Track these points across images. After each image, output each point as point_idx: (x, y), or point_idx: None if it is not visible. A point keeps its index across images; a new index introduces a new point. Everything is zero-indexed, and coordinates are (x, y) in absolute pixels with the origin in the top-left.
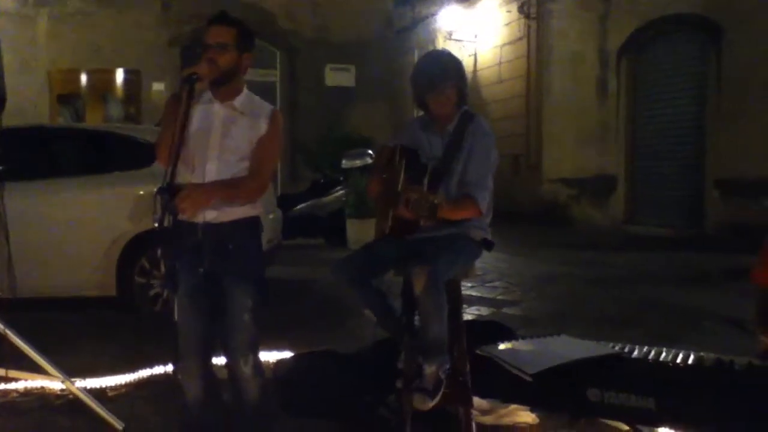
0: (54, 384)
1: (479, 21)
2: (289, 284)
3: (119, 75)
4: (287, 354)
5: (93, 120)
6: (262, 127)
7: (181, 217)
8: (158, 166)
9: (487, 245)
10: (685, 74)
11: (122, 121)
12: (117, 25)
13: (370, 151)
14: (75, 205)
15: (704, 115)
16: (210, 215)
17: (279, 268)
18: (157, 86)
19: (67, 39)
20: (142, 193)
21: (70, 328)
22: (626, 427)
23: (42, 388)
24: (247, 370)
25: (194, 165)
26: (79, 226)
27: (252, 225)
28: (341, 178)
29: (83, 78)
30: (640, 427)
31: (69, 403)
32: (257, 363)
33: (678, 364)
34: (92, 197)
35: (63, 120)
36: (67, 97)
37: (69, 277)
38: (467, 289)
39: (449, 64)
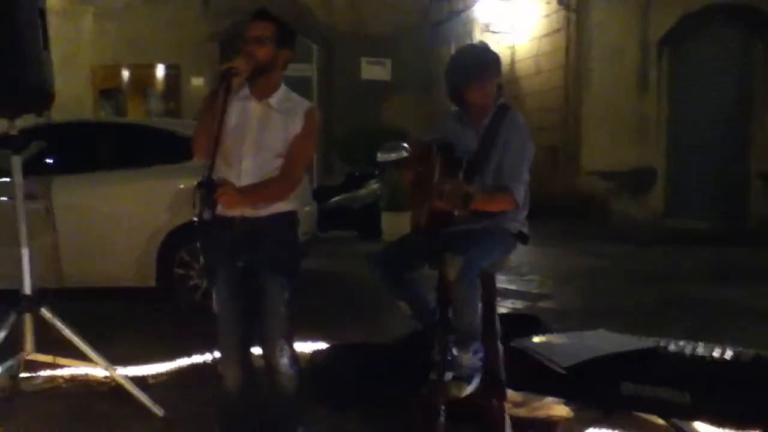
0: (97, 371)
1: (517, 13)
2: (324, 276)
3: (159, 70)
4: (322, 345)
5: (134, 114)
6: (298, 124)
7: (219, 211)
8: (197, 160)
9: (523, 238)
10: (729, 65)
11: (162, 115)
12: (157, 20)
13: (405, 145)
14: (117, 198)
15: (748, 107)
16: (247, 210)
17: (314, 260)
18: (197, 81)
19: (109, 35)
20: (182, 186)
21: (113, 318)
22: (661, 421)
23: (86, 375)
24: (282, 360)
25: (231, 160)
26: (121, 219)
27: (289, 219)
28: (376, 172)
29: (124, 73)
30: (675, 421)
31: (111, 389)
32: (293, 354)
33: (715, 358)
34: (133, 190)
35: (105, 114)
36: (109, 92)
37: (110, 267)
38: (502, 282)
39: (489, 57)
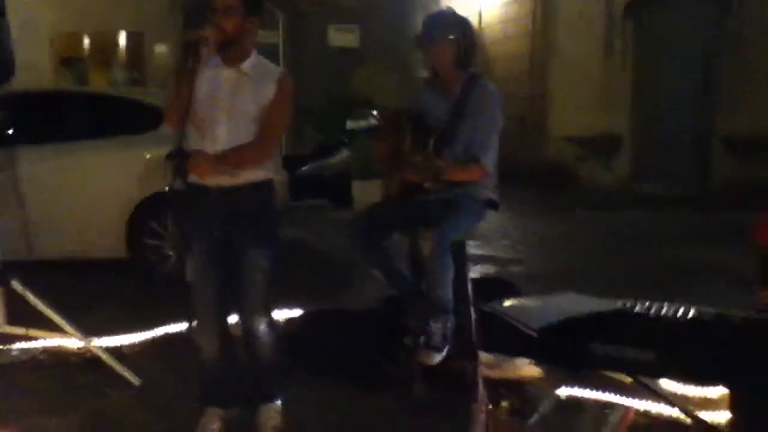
0: (71, 342)
1: None
2: (297, 245)
3: (122, 38)
4: (297, 312)
5: (97, 83)
6: (271, 90)
7: (194, 180)
8: (164, 130)
9: (493, 205)
10: (694, 31)
11: (127, 84)
12: None
13: (374, 113)
14: (83, 169)
15: (712, 72)
16: (223, 179)
17: (286, 229)
18: (160, 48)
19: (68, 1)
20: (148, 156)
21: (86, 290)
22: (628, 379)
23: (60, 346)
24: (260, 328)
25: (204, 129)
26: (87, 190)
27: (266, 187)
28: (346, 140)
29: (86, 41)
30: (641, 378)
31: (86, 361)
32: (270, 321)
33: (678, 318)
34: (100, 161)
35: (67, 84)
36: (70, 61)
37: (80, 239)
38: (472, 248)
39: (447, 19)
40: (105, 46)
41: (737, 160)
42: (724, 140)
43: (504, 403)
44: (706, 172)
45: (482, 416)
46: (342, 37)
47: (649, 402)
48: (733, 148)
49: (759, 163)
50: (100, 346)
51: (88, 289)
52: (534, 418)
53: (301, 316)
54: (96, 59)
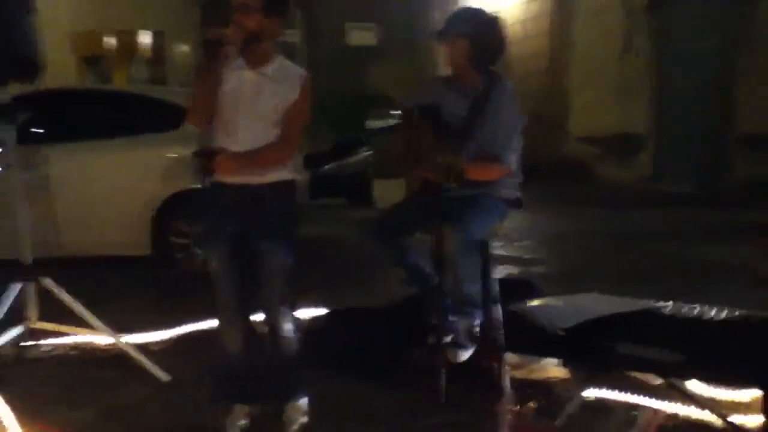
0: (100, 338)
1: None
2: (318, 244)
3: (143, 36)
4: (319, 311)
5: (119, 82)
6: (294, 92)
7: (221, 178)
8: (187, 129)
9: (516, 204)
10: (714, 28)
11: (148, 82)
12: None
13: (394, 111)
14: (108, 167)
15: (732, 70)
16: (249, 177)
17: (305, 228)
18: (181, 47)
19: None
20: (171, 155)
21: (113, 286)
22: (656, 381)
23: (89, 342)
24: (285, 325)
25: (229, 129)
26: (112, 188)
27: (287, 187)
28: (365, 139)
29: (107, 40)
30: (670, 379)
31: (115, 357)
32: (293, 319)
33: (708, 319)
34: (123, 159)
35: (89, 82)
36: (93, 60)
37: (106, 236)
38: (496, 248)
39: (461, 15)
40: (126, 44)
41: (756, 159)
42: (742, 138)
43: (530, 404)
44: (725, 170)
45: (508, 416)
46: (359, 35)
47: (678, 404)
48: (751, 146)
49: None
50: (129, 343)
51: (115, 285)
52: (560, 419)
53: (325, 315)
54: (118, 58)
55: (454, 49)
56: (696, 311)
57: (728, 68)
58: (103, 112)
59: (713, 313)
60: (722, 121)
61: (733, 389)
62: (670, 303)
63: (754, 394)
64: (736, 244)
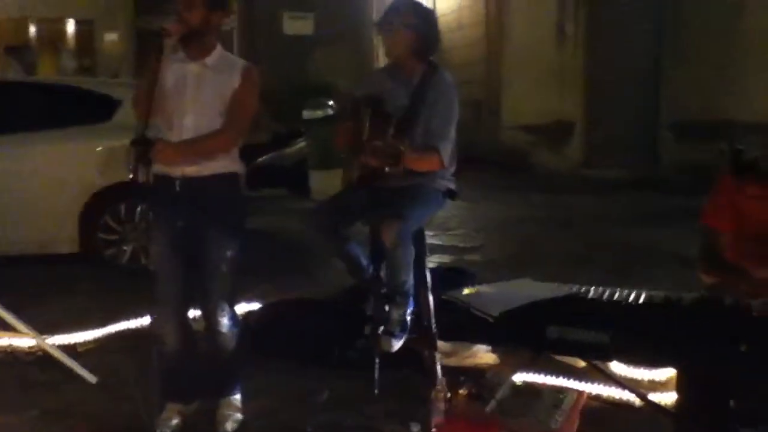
0: (23, 341)
1: None
2: (256, 235)
3: (71, 25)
4: (257, 304)
5: (45, 73)
6: (235, 81)
7: (159, 170)
8: (117, 121)
9: (452, 195)
10: (642, 17)
11: (76, 73)
12: None
13: (331, 102)
14: (33, 161)
15: (660, 58)
16: (189, 169)
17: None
18: (110, 36)
19: None
20: (100, 148)
21: (36, 285)
22: (582, 363)
23: (10, 345)
24: (223, 320)
25: (171, 121)
26: (38, 183)
27: (231, 179)
28: (302, 129)
29: (32, 28)
30: (595, 361)
31: (40, 359)
32: (233, 314)
33: (629, 301)
34: (50, 153)
35: (13, 73)
36: (17, 49)
37: (31, 234)
38: (430, 237)
39: (406, 7)
40: (53, 33)
41: (684, 145)
42: (671, 125)
43: (462, 390)
44: (655, 156)
45: (441, 402)
46: (296, 23)
47: (602, 385)
48: (679, 132)
49: (706, 147)
50: (53, 344)
51: (40, 284)
52: (491, 404)
53: (262, 307)
54: (44, 47)
55: (399, 39)
56: (617, 295)
57: (656, 56)
58: (29, 103)
59: (634, 295)
60: (651, 109)
61: (651, 369)
62: (595, 288)
63: (669, 373)
64: (665, 228)
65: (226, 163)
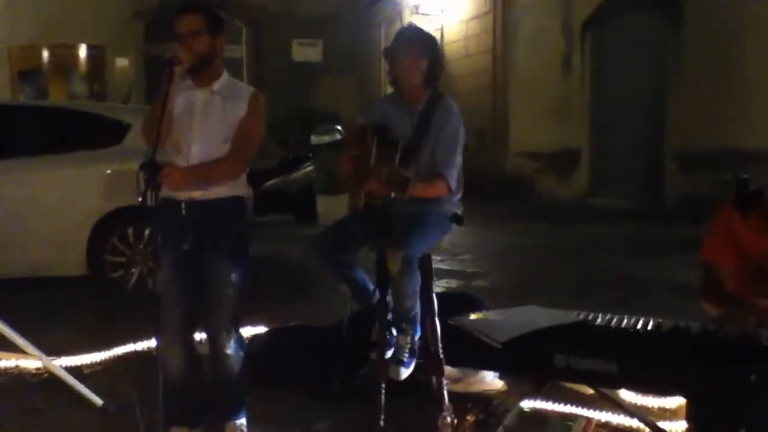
0: (29, 363)
1: None
2: (261, 260)
3: (82, 50)
4: (262, 329)
5: (57, 97)
6: (242, 109)
7: (165, 194)
8: (126, 145)
9: (458, 220)
10: (646, 49)
11: (87, 98)
12: None
13: (338, 127)
14: (43, 185)
15: (664, 88)
16: (195, 193)
17: (252, 244)
18: (121, 62)
19: (26, 12)
20: (110, 172)
21: (43, 307)
22: (590, 390)
23: (17, 366)
24: (228, 344)
25: (180, 147)
26: (47, 206)
27: (236, 203)
28: (310, 155)
29: (45, 54)
30: (602, 389)
31: (45, 381)
32: (239, 338)
33: (638, 329)
34: (60, 177)
35: (25, 97)
36: (29, 74)
37: (39, 257)
38: (436, 262)
39: (417, 33)
40: (64, 59)
41: (690, 175)
42: (675, 155)
43: (469, 416)
44: (659, 187)
45: (447, 429)
46: (305, 51)
47: (610, 413)
48: (683, 163)
49: (711, 178)
50: (60, 366)
51: (46, 306)
52: (499, 431)
53: (267, 332)
54: (55, 72)
55: (413, 67)
56: (626, 323)
57: (661, 87)
58: (40, 127)
59: (642, 324)
60: (655, 139)
61: (660, 397)
62: (603, 315)
63: (679, 401)
64: (667, 259)
65: (232, 188)
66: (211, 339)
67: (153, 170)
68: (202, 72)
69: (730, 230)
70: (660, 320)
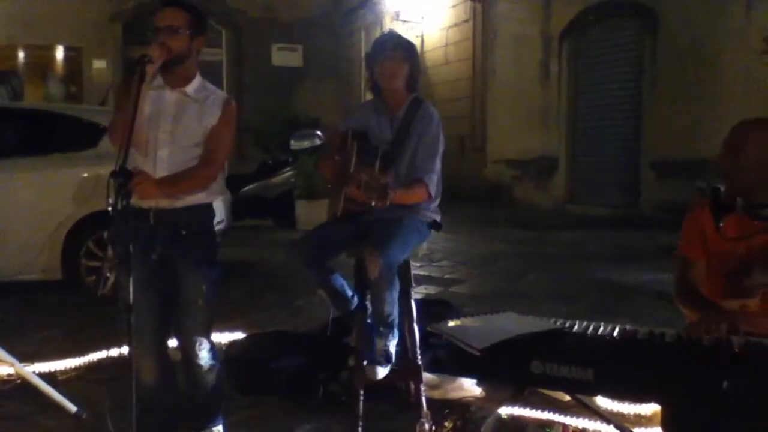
0: (2, 369)
1: (426, 2)
2: (240, 265)
3: (59, 52)
4: (239, 335)
5: (32, 99)
6: (215, 114)
7: (133, 202)
8: (102, 148)
9: (436, 226)
10: (623, 58)
11: (63, 99)
12: None
13: (318, 132)
14: (17, 188)
15: (641, 97)
16: (162, 202)
17: (229, 249)
18: (98, 64)
19: (3, 13)
20: (85, 175)
21: (14, 313)
22: (567, 397)
23: None
24: (201, 353)
25: (147, 150)
26: (22, 209)
27: (204, 211)
28: (289, 159)
29: (21, 54)
30: (579, 396)
31: (17, 388)
32: (211, 346)
33: (614, 337)
34: (35, 179)
35: (0, 98)
36: (4, 74)
37: (12, 260)
38: (415, 269)
39: (397, 37)
40: (41, 60)
41: (665, 183)
42: (652, 163)
43: (447, 423)
44: (636, 195)
45: None
46: (285, 56)
47: (587, 419)
48: (660, 170)
49: (686, 186)
50: (34, 372)
51: (20, 312)
52: None
53: (246, 338)
54: (31, 74)
55: (395, 72)
56: (602, 330)
57: (635, 96)
58: (15, 129)
59: (618, 330)
60: (633, 146)
61: (635, 404)
62: (579, 322)
63: (654, 407)
64: (644, 265)
65: (200, 195)
66: (184, 349)
67: (124, 178)
68: (173, 72)
69: (701, 229)
70: (635, 327)
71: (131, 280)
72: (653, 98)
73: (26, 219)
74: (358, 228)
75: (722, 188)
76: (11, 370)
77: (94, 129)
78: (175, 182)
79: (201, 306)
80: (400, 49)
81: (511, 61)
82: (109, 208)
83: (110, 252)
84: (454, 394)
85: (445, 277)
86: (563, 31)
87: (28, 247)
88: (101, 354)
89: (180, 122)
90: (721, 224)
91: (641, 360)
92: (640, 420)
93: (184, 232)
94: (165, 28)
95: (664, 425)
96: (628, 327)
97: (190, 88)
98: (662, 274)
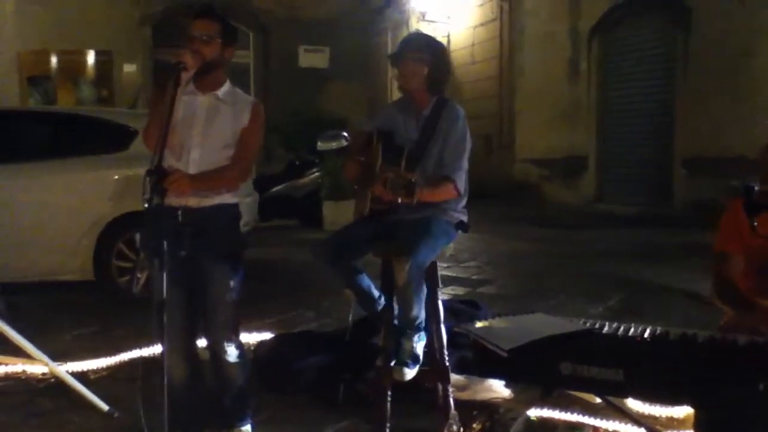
0: (35, 368)
1: (452, 2)
2: (267, 265)
3: (90, 56)
4: (267, 335)
5: (65, 102)
6: (245, 118)
7: (167, 200)
8: (133, 150)
9: (463, 227)
10: (654, 54)
11: (95, 103)
12: (87, 4)
13: (345, 133)
14: (50, 190)
15: (672, 94)
16: (191, 201)
17: (256, 249)
18: (129, 67)
19: (35, 18)
20: (117, 177)
21: (50, 312)
22: (597, 399)
23: (23, 371)
24: (229, 351)
25: (180, 152)
26: (55, 211)
27: (230, 211)
28: (316, 160)
29: (53, 59)
30: (609, 398)
31: (51, 386)
32: (239, 344)
33: (645, 338)
34: (67, 181)
35: (34, 102)
36: (38, 79)
37: (46, 261)
38: (442, 269)
39: (417, 38)
40: (73, 64)
41: (698, 181)
42: (684, 161)
43: (475, 424)
44: (668, 193)
45: None
46: (312, 57)
47: (617, 422)
48: (692, 169)
49: (719, 184)
50: (66, 371)
51: (54, 311)
52: None
53: (273, 338)
54: (64, 78)
55: (412, 72)
56: (632, 331)
57: (667, 93)
58: (48, 132)
59: (649, 331)
60: (664, 145)
61: (667, 406)
62: (609, 323)
63: (686, 410)
64: (675, 265)
65: (227, 195)
66: (212, 347)
67: (159, 176)
68: (206, 78)
69: (738, 225)
70: (667, 328)
71: (159, 278)
72: (685, 94)
73: (59, 220)
74: (385, 228)
75: (756, 187)
76: (45, 369)
77: (125, 132)
78: (208, 179)
79: (228, 304)
80: (418, 50)
81: (539, 59)
82: (146, 205)
83: (142, 252)
84: (482, 396)
85: (473, 277)
86: (592, 27)
87: (60, 248)
88: (133, 353)
89: (212, 124)
90: (755, 222)
91: (673, 361)
92: (672, 423)
93: (211, 231)
94: (199, 37)
95: (697, 428)
96: (659, 328)
97: (222, 92)
98: (693, 273)
